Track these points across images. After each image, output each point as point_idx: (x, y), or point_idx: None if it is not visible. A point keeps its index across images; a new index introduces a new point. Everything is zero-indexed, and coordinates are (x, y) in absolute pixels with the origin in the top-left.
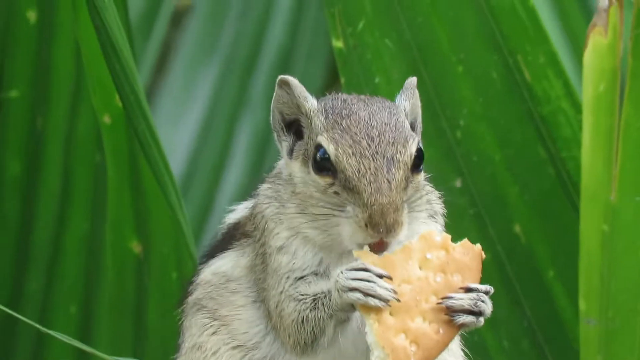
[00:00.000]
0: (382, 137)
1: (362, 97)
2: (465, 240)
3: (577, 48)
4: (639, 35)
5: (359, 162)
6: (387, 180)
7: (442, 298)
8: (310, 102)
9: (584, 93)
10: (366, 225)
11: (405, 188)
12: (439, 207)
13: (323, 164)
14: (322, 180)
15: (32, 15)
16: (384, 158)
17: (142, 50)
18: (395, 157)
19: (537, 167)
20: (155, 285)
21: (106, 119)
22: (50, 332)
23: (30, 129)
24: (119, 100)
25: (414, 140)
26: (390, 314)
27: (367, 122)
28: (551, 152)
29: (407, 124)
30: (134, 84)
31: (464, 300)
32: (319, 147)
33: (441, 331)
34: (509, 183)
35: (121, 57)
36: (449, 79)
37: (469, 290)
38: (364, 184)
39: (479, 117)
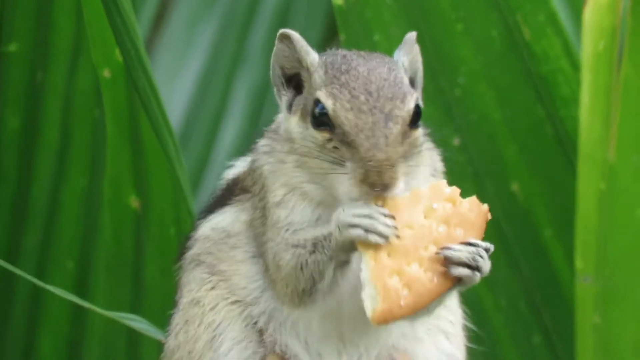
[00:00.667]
0: (381, 92)
1: (362, 53)
2: (474, 197)
3: (577, 7)
4: None
5: (357, 117)
6: (385, 135)
7: (441, 248)
8: (312, 56)
9: (583, 51)
10: (362, 181)
11: (403, 143)
12: (439, 164)
13: (321, 119)
14: (320, 135)
15: None
16: (382, 113)
17: (141, 4)
18: (393, 112)
19: (535, 126)
20: (154, 240)
21: (106, 74)
22: (48, 286)
23: (29, 83)
24: (119, 55)
25: (412, 95)
26: (388, 255)
27: (365, 78)
28: (550, 111)
29: (405, 80)
30: (135, 38)
31: (462, 252)
32: (317, 102)
33: (435, 280)
34: (508, 142)
35: (122, 11)
36: (449, 37)
37: (469, 244)
38: (361, 139)
39: (478, 75)
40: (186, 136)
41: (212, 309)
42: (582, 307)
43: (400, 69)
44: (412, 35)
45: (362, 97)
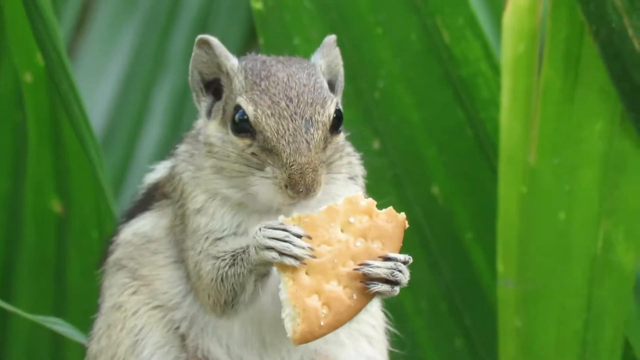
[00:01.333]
0: (301, 98)
1: (281, 58)
2: (390, 208)
3: (496, 9)
4: None
5: (278, 123)
6: (306, 140)
7: (360, 264)
8: (232, 62)
9: (503, 54)
10: (286, 186)
11: (324, 149)
12: (359, 169)
13: (242, 125)
14: (241, 142)
15: None
16: (302, 119)
17: (62, 7)
18: (313, 118)
19: (455, 129)
20: (76, 244)
21: (28, 77)
22: None
23: None
24: (41, 59)
25: (332, 101)
26: (307, 273)
27: (285, 83)
28: (470, 114)
29: (325, 85)
30: (56, 42)
31: (380, 268)
32: (238, 108)
33: (355, 297)
34: (428, 144)
35: (43, 14)
36: (368, 40)
37: (387, 259)
38: (283, 145)
39: (398, 78)
40: (108, 140)
41: (133, 313)
42: (503, 310)
43: (319, 73)
44: (331, 38)
45: (283, 103)
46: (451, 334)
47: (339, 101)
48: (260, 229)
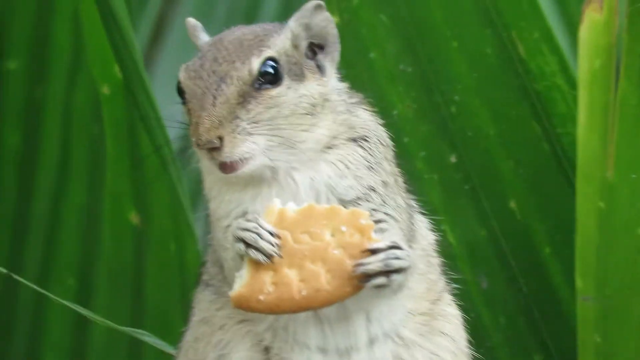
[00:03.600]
0: (226, 57)
1: (247, 25)
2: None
3: (572, 24)
4: (635, 12)
5: (194, 83)
6: (213, 96)
7: (355, 265)
8: (200, 41)
9: (579, 69)
10: (194, 143)
11: (242, 103)
12: (370, 132)
13: (180, 93)
14: (183, 109)
15: None
16: (217, 76)
17: (138, 20)
18: (229, 74)
19: (531, 143)
20: (154, 256)
21: (105, 90)
22: (51, 295)
23: (28, 99)
24: (119, 71)
25: (260, 54)
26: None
27: (222, 46)
28: (546, 128)
29: (270, 42)
30: (134, 54)
31: (373, 263)
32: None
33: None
34: (504, 158)
35: (121, 27)
36: (444, 54)
37: (372, 251)
38: (193, 103)
39: (474, 92)
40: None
41: (220, 328)
42: (583, 326)
43: (271, 32)
44: (311, 3)
45: (207, 64)
46: (530, 350)
47: (331, 62)
48: (237, 221)
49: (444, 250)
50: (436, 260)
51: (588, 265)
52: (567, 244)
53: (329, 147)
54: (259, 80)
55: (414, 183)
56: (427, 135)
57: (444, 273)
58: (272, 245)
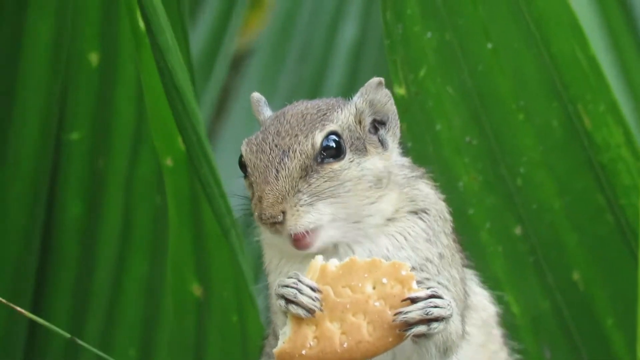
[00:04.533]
0: (288, 131)
1: (310, 100)
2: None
3: (637, 96)
4: None
5: (257, 157)
6: (276, 169)
7: (396, 314)
8: (263, 116)
9: None
10: (255, 216)
11: (305, 177)
12: (434, 206)
13: (242, 167)
14: (245, 182)
15: (94, 58)
16: (280, 150)
17: (201, 93)
18: (292, 148)
19: (596, 215)
20: (216, 328)
21: (168, 162)
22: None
23: (91, 170)
24: (182, 143)
25: (323, 128)
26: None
27: (285, 120)
28: (610, 200)
29: (333, 116)
30: (197, 126)
31: (413, 312)
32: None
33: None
34: (568, 230)
35: (184, 99)
36: (510, 126)
37: (412, 300)
38: (256, 176)
39: (539, 164)
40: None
41: None
42: None
43: (333, 107)
44: (374, 80)
45: (270, 138)
46: None
47: (392, 137)
48: (279, 279)
49: (508, 321)
50: (498, 332)
51: None
52: (630, 315)
53: (391, 220)
54: (322, 154)
55: (478, 254)
56: (492, 207)
57: (507, 344)
58: (313, 299)
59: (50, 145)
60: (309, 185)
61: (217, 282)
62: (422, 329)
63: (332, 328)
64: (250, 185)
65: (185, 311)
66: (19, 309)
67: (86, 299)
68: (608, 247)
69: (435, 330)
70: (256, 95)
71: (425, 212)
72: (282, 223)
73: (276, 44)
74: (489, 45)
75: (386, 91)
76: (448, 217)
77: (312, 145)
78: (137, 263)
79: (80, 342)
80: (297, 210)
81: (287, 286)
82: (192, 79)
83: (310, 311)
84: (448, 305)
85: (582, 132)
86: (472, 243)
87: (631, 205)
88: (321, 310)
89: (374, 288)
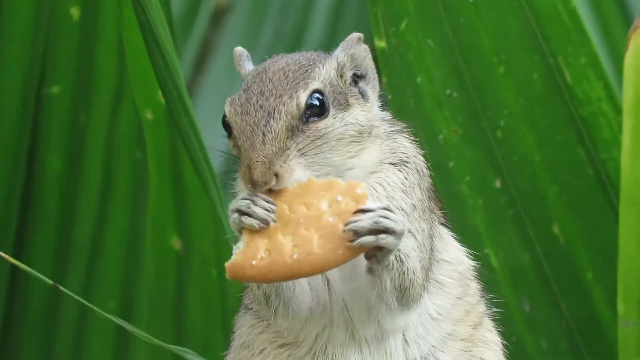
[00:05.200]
0: (273, 91)
1: (288, 54)
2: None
3: (617, 51)
4: None
5: (242, 119)
6: (262, 133)
7: (346, 224)
8: (244, 69)
9: (624, 95)
10: (244, 181)
11: (291, 137)
12: (409, 158)
13: (226, 127)
14: (230, 142)
15: (75, 12)
16: (265, 111)
17: (182, 48)
18: (277, 109)
19: (576, 168)
20: (195, 282)
21: (148, 115)
22: (95, 308)
23: (72, 124)
24: (162, 97)
25: (307, 87)
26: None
27: (267, 78)
28: (591, 153)
29: (315, 73)
30: (177, 80)
31: (363, 221)
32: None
33: (328, 247)
34: (549, 183)
35: (165, 54)
36: (490, 79)
37: (364, 211)
38: (242, 141)
39: (520, 117)
40: (228, 177)
41: (260, 352)
42: (624, 352)
43: (317, 63)
44: (355, 35)
45: (254, 98)
46: None
47: (372, 89)
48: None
49: (487, 274)
50: (475, 285)
51: (630, 290)
52: (609, 269)
53: (373, 173)
54: (306, 113)
55: (458, 207)
56: (473, 160)
57: (485, 297)
58: (267, 210)
59: (31, 99)
60: (297, 144)
61: (197, 236)
62: (370, 238)
63: (284, 241)
64: (235, 146)
65: (165, 265)
66: (1, 253)
67: (67, 253)
68: (588, 201)
69: (383, 242)
70: (239, 49)
71: (404, 164)
72: (276, 184)
73: None
74: None
75: (365, 46)
76: (426, 172)
77: (297, 105)
78: (117, 217)
79: (62, 288)
80: (289, 166)
81: (242, 199)
82: (172, 34)
83: (264, 222)
84: (400, 221)
85: (562, 86)
86: (452, 196)
87: (612, 159)
88: (274, 221)
89: (329, 206)
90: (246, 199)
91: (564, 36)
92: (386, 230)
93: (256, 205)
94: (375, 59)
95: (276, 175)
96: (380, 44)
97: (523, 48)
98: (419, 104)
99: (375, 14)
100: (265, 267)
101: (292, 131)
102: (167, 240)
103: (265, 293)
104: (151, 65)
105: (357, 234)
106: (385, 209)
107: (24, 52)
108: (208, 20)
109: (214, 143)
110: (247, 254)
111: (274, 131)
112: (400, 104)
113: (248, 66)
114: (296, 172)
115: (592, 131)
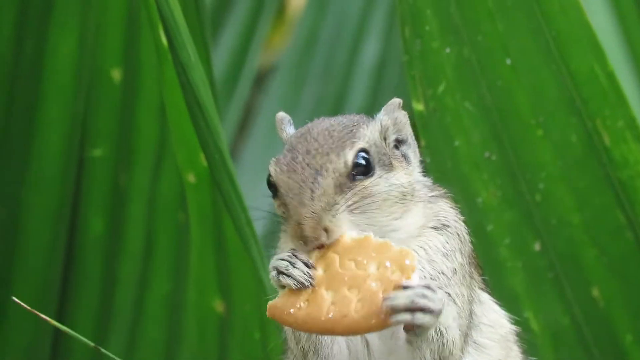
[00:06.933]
0: (319, 150)
1: (331, 117)
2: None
3: None
4: None
5: (289, 177)
6: (311, 189)
7: (384, 299)
8: (286, 133)
9: None
10: (292, 238)
11: (339, 193)
12: (451, 222)
13: (271, 188)
14: (275, 203)
15: (116, 74)
16: (312, 169)
17: (225, 110)
18: (324, 166)
19: (615, 231)
20: (238, 344)
21: (191, 178)
22: None
23: (113, 187)
24: (204, 159)
25: (353, 147)
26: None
27: (312, 138)
28: (629, 217)
29: (360, 133)
30: (219, 142)
31: (400, 299)
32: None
33: (360, 314)
34: (587, 246)
35: (206, 116)
36: (529, 142)
37: (405, 287)
38: (290, 198)
39: (558, 180)
40: (270, 239)
41: None
42: None
43: (359, 124)
44: (395, 100)
45: (300, 157)
46: None
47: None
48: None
49: (527, 337)
50: (517, 349)
51: None
52: None
53: (416, 236)
54: (353, 171)
55: (497, 270)
56: (511, 222)
57: None
58: (304, 274)
59: (73, 161)
60: (345, 200)
61: (239, 298)
62: (406, 316)
63: (325, 296)
64: (282, 204)
65: (208, 328)
66: (44, 316)
67: (109, 316)
68: (628, 264)
69: (419, 321)
70: (281, 114)
71: (446, 229)
72: (327, 239)
73: (299, 61)
74: (508, 61)
75: (404, 112)
76: (467, 238)
77: (345, 162)
78: (159, 280)
79: (104, 350)
80: (338, 220)
81: (282, 259)
82: (214, 95)
83: (302, 285)
84: (439, 300)
85: (600, 148)
86: (491, 259)
87: None
88: (312, 285)
89: (377, 269)
90: (285, 260)
91: (601, 98)
92: (423, 310)
93: (295, 267)
94: (413, 122)
95: (325, 230)
96: (418, 106)
97: (560, 110)
98: (457, 166)
99: (413, 76)
100: (301, 317)
101: (340, 188)
102: (209, 302)
103: (303, 349)
104: (193, 127)
105: (394, 309)
106: (426, 286)
107: (65, 114)
108: (251, 83)
109: (257, 205)
110: (288, 301)
111: (322, 187)
112: (438, 166)
113: (290, 130)
114: (345, 226)
115: (631, 194)
